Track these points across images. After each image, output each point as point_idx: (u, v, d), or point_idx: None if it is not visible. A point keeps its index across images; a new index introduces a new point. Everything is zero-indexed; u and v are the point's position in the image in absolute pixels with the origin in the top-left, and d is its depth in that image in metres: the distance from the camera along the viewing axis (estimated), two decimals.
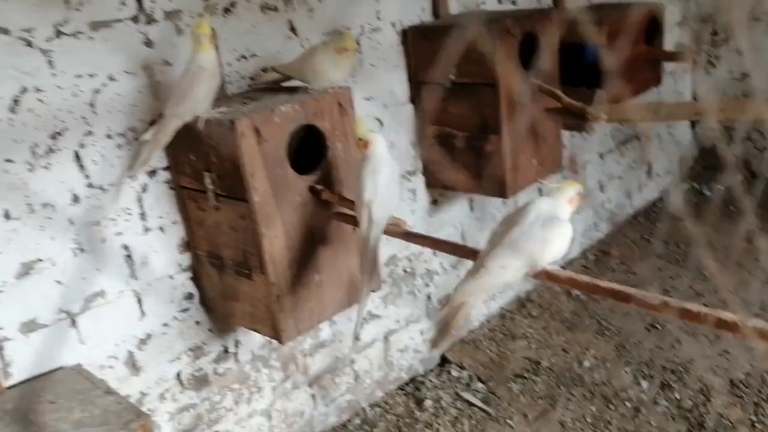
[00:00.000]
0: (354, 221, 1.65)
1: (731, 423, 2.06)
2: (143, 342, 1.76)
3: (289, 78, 1.81)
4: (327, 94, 1.66)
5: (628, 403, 2.21)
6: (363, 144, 1.54)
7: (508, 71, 2.06)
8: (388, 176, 1.52)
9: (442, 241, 1.54)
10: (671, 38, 3.33)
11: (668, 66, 3.03)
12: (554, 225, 1.22)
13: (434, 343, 1.29)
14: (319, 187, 1.64)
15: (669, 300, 1.02)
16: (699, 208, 3.52)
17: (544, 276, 1.20)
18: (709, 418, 2.10)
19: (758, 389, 2.18)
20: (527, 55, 2.14)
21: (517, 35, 2.07)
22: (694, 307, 1.02)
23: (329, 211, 1.69)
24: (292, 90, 1.75)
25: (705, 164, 3.90)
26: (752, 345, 2.32)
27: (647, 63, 2.70)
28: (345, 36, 1.69)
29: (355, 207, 1.55)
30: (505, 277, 1.21)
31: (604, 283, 1.10)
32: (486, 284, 1.22)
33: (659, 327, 2.57)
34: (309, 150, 1.69)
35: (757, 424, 2.04)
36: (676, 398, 2.20)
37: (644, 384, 2.28)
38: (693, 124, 3.89)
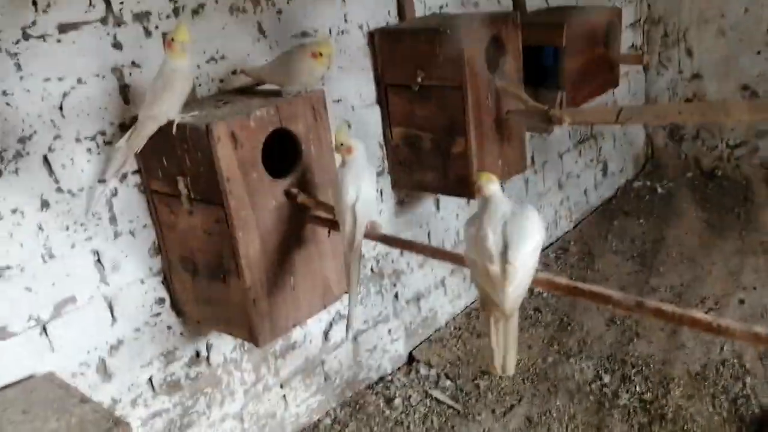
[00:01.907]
0: (329, 224, 1.66)
1: (690, 414, 2.14)
2: (114, 348, 1.74)
3: (261, 83, 1.81)
4: (301, 98, 1.66)
5: (591, 397, 2.28)
6: (347, 150, 1.56)
7: (475, 74, 2.10)
8: (368, 180, 1.54)
9: (424, 245, 1.57)
10: (624, 40, 3.42)
11: (622, 67, 3.11)
12: (534, 211, 1.22)
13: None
14: (294, 190, 1.64)
15: (645, 301, 1.06)
16: (652, 204, 3.63)
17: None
18: (669, 409, 2.17)
19: (714, 381, 2.27)
20: (492, 57, 2.18)
21: (483, 38, 2.11)
22: (668, 307, 1.06)
23: (304, 214, 1.69)
24: (264, 93, 1.75)
25: (657, 162, 4.03)
26: (707, 338, 2.42)
27: (605, 65, 2.78)
28: (322, 41, 1.70)
29: (336, 211, 1.56)
30: (529, 272, 1.18)
31: (584, 286, 1.14)
32: (521, 284, 1.16)
33: (618, 322, 2.64)
34: (279, 153, 1.69)
35: (715, 416, 2.13)
36: (637, 391, 2.27)
37: (606, 378, 2.35)
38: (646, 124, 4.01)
